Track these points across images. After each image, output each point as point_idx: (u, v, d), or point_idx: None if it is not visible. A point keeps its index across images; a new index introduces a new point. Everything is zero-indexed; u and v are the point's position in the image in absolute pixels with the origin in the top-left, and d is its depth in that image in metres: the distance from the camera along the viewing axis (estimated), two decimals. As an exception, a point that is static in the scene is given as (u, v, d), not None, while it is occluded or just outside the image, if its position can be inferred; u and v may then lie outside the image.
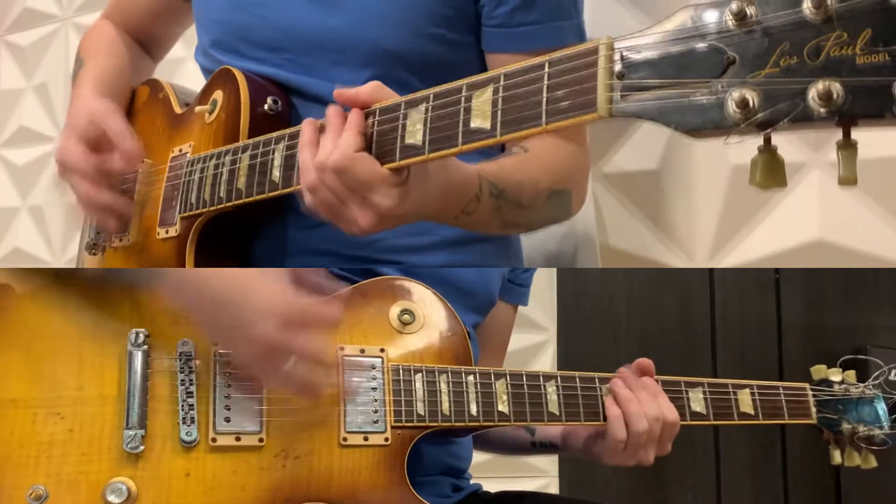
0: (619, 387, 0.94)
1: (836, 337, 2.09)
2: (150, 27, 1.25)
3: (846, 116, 0.51)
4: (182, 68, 1.70)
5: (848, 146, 0.52)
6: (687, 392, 0.98)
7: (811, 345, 2.08)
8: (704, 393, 0.99)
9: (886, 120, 0.50)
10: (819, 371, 1.12)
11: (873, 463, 1.09)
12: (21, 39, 2.44)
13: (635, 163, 1.52)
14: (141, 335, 0.81)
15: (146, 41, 1.26)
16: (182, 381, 0.81)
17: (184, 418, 0.79)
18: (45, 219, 2.34)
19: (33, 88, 2.39)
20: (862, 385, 1.11)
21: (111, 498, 0.75)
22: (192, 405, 0.80)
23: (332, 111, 0.79)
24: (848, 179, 0.52)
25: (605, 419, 0.93)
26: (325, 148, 0.77)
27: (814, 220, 1.36)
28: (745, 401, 1.02)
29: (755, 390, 1.03)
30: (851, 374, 1.12)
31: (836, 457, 1.10)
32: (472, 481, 1.06)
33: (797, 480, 2.03)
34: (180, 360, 0.81)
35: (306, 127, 0.80)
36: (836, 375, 1.12)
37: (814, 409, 1.08)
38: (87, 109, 1.04)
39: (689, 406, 0.98)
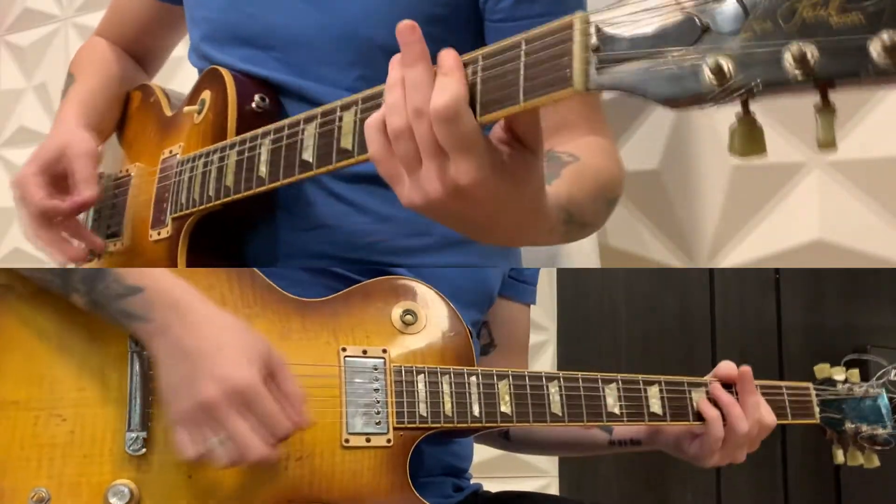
0: (720, 391, 0.99)
1: (837, 337, 2.08)
2: (144, 40, 1.25)
3: (822, 78, 0.50)
4: (181, 68, 1.70)
5: (826, 109, 0.52)
6: (689, 392, 0.99)
7: (811, 344, 2.07)
8: (708, 394, 1.00)
9: (863, 79, 0.49)
10: (822, 370, 1.12)
11: (876, 462, 1.09)
12: (21, 39, 2.44)
13: (635, 163, 1.51)
14: None
15: (140, 55, 1.26)
16: None
17: None
18: (44, 219, 2.33)
19: (33, 88, 2.39)
20: (865, 384, 1.11)
21: (113, 500, 0.75)
22: None
23: (420, 47, 0.68)
24: (826, 142, 0.52)
25: (697, 419, 0.98)
26: (425, 90, 0.65)
27: (814, 220, 1.36)
28: None
29: (759, 390, 1.03)
30: (855, 373, 1.12)
31: (839, 456, 1.10)
32: (472, 481, 1.06)
33: (797, 480, 2.03)
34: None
35: (395, 68, 0.69)
36: (839, 374, 1.12)
37: (817, 409, 1.08)
38: (62, 141, 1.04)
39: (692, 407, 0.99)
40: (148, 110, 1.14)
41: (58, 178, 1.03)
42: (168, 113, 1.10)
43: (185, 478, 0.77)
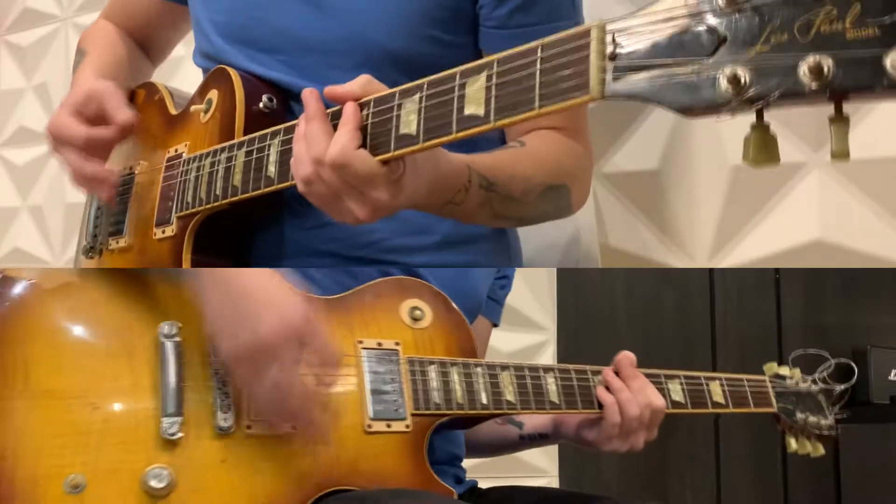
0: (611, 377, 1.01)
1: (836, 337, 2.09)
2: (149, 32, 1.25)
3: (837, 90, 0.52)
4: (181, 68, 1.70)
5: (840, 120, 0.53)
6: (667, 383, 1.06)
7: (811, 345, 2.07)
8: (682, 384, 1.07)
9: (877, 92, 0.50)
10: (771, 368, 1.22)
11: (821, 451, 1.21)
12: (21, 39, 2.44)
13: (635, 163, 1.52)
14: (174, 327, 0.82)
15: (145, 44, 1.27)
16: (216, 370, 0.82)
17: (220, 405, 0.80)
18: (45, 219, 2.34)
19: (33, 88, 2.40)
20: (809, 378, 1.22)
21: (153, 483, 0.75)
22: (228, 393, 0.81)
23: (317, 106, 0.80)
24: (840, 153, 0.53)
25: (600, 407, 1.00)
26: (321, 143, 0.77)
27: (814, 220, 1.36)
28: (717, 391, 1.10)
29: (724, 382, 1.11)
30: (797, 371, 1.23)
31: (792, 444, 1.21)
32: (469, 479, 1.06)
33: (797, 480, 2.03)
34: (213, 350, 0.82)
35: (300, 123, 0.81)
36: (785, 371, 1.22)
37: (774, 399, 1.17)
38: (86, 87, 1.04)
39: (670, 396, 1.05)
40: (152, 108, 1.14)
41: (90, 117, 1.03)
42: (173, 111, 1.10)
43: (218, 462, 0.79)
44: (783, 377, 1.20)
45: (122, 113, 1.01)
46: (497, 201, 0.92)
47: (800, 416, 1.18)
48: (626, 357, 1.03)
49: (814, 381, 1.21)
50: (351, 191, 0.77)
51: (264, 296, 0.79)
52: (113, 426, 0.77)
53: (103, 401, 0.78)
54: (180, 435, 0.78)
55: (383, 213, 0.79)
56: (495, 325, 1.19)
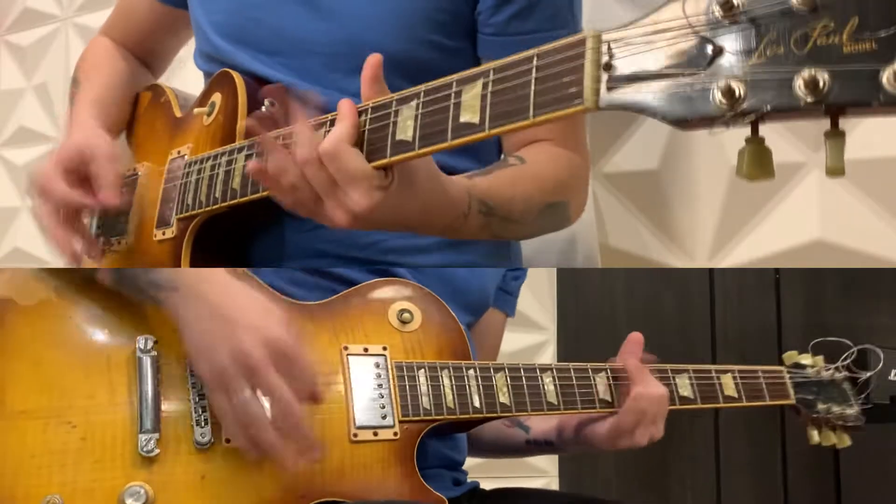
0: (624, 366, 0.99)
1: (837, 336, 2.08)
2: (148, 42, 1.25)
3: (833, 104, 0.51)
4: (182, 69, 1.70)
5: (835, 135, 0.52)
6: (674, 378, 1.02)
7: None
8: (690, 378, 1.03)
9: (873, 108, 0.50)
10: (791, 356, 1.17)
11: (847, 442, 1.14)
12: (21, 39, 2.44)
13: (635, 163, 1.52)
14: (149, 341, 0.81)
15: (145, 56, 1.26)
16: (193, 384, 0.81)
17: (198, 420, 0.79)
18: (45, 219, 2.33)
19: (33, 88, 2.39)
20: (832, 367, 1.16)
21: (131, 501, 0.74)
22: (205, 407, 0.80)
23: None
24: (835, 169, 0.52)
25: (601, 405, 0.97)
26: (306, 144, 0.76)
27: (814, 220, 1.36)
28: (729, 384, 1.06)
29: (737, 374, 1.07)
30: (819, 360, 1.17)
31: (815, 437, 1.15)
32: (470, 480, 1.06)
33: (797, 480, 2.03)
34: (190, 365, 0.81)
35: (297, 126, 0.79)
36: (806, 359, 1.16)
37: (791, 391, 1.12)
38: (82, 142, 1.03)
39: (678, 391, 1.01)
40: (157, 110, 1.14)
41: (80, 178, 1.02)
42: (178, 114, 1.10)
43: (198, 478, 0.78)
44: (803, 366, 1.15)
45: (109, 192, 0.99)
46: (496, 224, 0.91)
47: (822, 406, 1.13)
48: (636, 340, 1.01)
49: (837, 370, 1.15)
50: (334, 190, 0.75)
51: (240, 312, 0.76)
52: (90, 444, 0.76)
53: (80, 419, 0.77)
54: (157, 451, 0.77)
55: (361, 223, 0.77)
56: (509, 316, 1.18)
